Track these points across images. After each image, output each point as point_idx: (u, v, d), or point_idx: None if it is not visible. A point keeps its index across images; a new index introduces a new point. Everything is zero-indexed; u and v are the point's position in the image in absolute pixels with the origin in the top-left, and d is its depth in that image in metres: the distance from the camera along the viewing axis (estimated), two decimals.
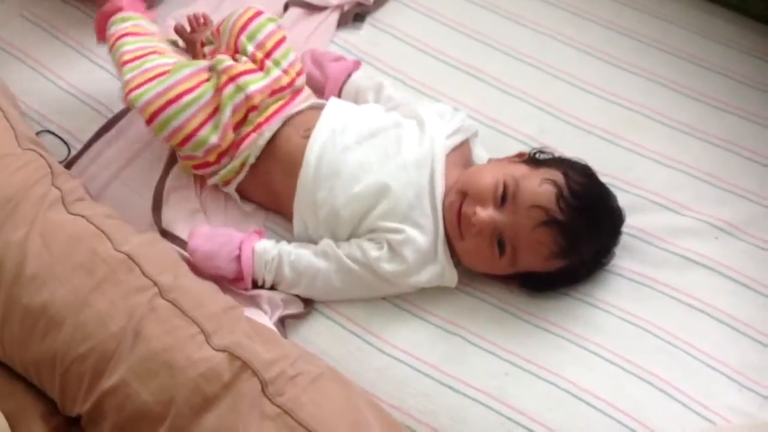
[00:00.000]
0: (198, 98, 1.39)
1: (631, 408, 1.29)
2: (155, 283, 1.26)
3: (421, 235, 1.35)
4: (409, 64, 1.68)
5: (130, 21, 1.49)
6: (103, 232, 1.30)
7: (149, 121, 1.40)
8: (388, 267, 1.35)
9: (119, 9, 1.51)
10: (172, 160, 1.51)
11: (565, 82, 1.67)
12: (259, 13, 1.46)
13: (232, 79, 1.40)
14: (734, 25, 1.78)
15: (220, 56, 1.42)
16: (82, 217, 1.32)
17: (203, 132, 1.40)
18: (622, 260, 1.44)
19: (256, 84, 1.41)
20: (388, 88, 1.54)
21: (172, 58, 1.45)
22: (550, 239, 1.31)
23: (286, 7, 1.70)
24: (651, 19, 1.78)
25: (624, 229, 1.43)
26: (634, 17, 1.78)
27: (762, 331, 1.37)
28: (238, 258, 1.36)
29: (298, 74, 1.47)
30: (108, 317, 1.22)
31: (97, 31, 1.55)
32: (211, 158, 1.43)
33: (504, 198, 1.33)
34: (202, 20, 1.62)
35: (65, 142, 1.55)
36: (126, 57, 1.43)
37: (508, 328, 1.37)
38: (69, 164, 1.52)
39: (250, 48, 1.43)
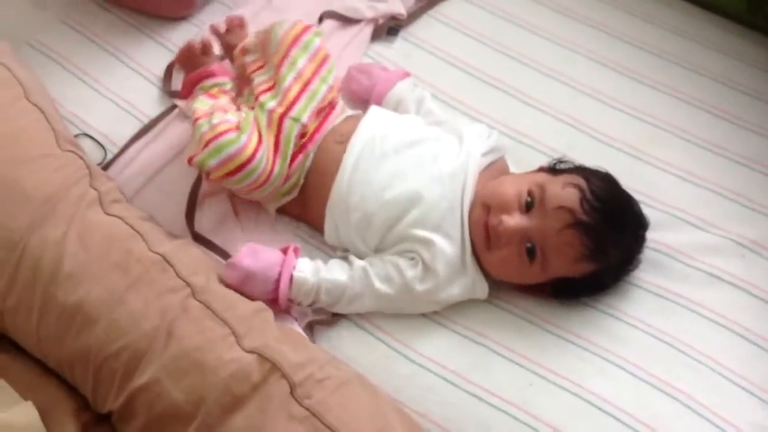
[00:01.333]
0: (264, 157, 1.39)
1: (653, 421, 1.29)
2: (188, 284, 1.28)
3: (450, 246, 1.37)
4: (440, 78, 1.70)
5: (216, 87, 1.50)
6: (138, 233, 1.33)
7: (219, 180, 1.40)
8: (421, 287, 1.36)
9: (211, 75, 1.51)
10: None
11: (591, 97, 1.69)
12: (308, 28, 1.47)
13: (285, 113, 1.42)
14: (760, 46, 1.78)
15: (262, 98, 1.43)
16: (119, 218, 1.35)
17: (272, 179, 1.41)
18: (647, 274, 1.44)
19: (306, 111, 1.43)
20: (428, 101, 1.56)
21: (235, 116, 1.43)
22: (577, 241, 1.32)
23: (320, 20, 1.73)
24: (676, 38, 1.79)
25: (649, 244, 1.44)
26: (659, 34, 1.80)
27: None
28: (277, 281, 1.35)
29: (339, 89, 1.50)
30: (141, 316, 1.25)
31: (183, 88, 1.54)
32: (275, 185, 1.43)
33: (529, 205, 1.35)
34: (237, 21, 1.62)
35: (102, 146, 1.58)
36: (197, 114, 1.43)
37: (533, 339, 1.38)
38: (105, 167, 1.54)
39: (302, 62, 1.44)
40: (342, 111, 1.51)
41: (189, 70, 1.55)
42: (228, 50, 1.60)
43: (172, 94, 1.64)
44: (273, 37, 1.46)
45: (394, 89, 1.57)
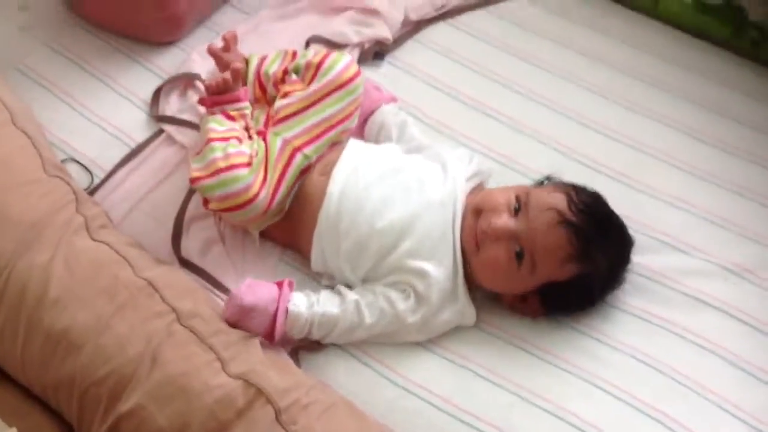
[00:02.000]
0: (267, 195, 1.41)
1: None
2: (174, 309, 1.28)
3: (443, 273, 1.37)
4: (426, 102, 1.70)
5: (237, 110, 1.49)
6: (125, 258, 1.33)
7: (219, 211, 1.42)
8: (413, 319, 1.36)
9: (237, 100, 1.49)
10: (192, 191, 1.53)
11: (578, 122, 1.70)
12: (360, 73, 1.48)
13: (300, 148, 1.43)
14: (749, 72, 1.81)
15: (280, 126, 1.44)
16: (105, 243, 1.35)
17: (271, 209, 1.42)
18: (632, 298, 1.45)
19: (319, 151, 1.46)
20: (411, 126, 1.57)
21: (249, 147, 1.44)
22: (564, 240, 1.33)
23: (307, 44, 1.73)
24: (666, 64, 1.81)
25: (634, 267, 1.45)
26: (650, 62, 1.81)
27: None
28: (274, 316, 1.33)
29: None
30: (127, 341, 1.25)
31: (207, 106, 1.50)
32: (262, 218, 1.44)
33: (516, 210, 1.37)
34: (232, 37, 1.61)
35: (89, 171, 1.58)
36: (212, 135, 1.43)
37: (517, 361, 1.38)
38: (91, 192, 1.54)
39: (340, 106, 1.45)
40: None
41: (215, 93, 1.51)
42: (223, 69, 1.59)
43: (160, 119, 1.64)
44: (325, 71, 1.46)
45: (379, 112, 1.58)
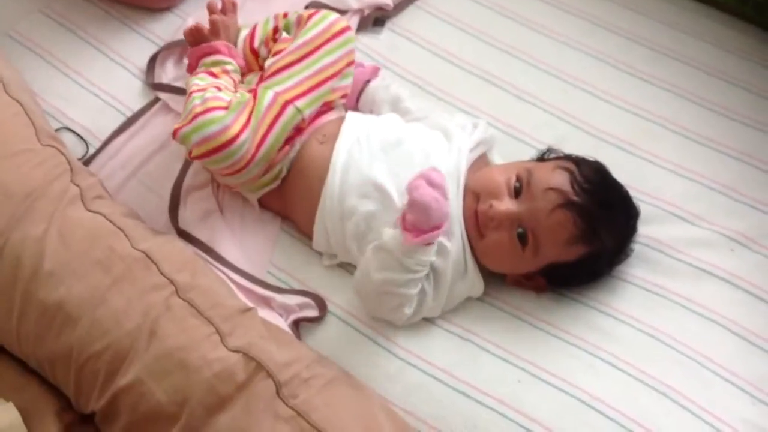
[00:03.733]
0: (248, 140, 1.37)
1: (643, 418, 1.28)
2: (172, 282, 1.26)
3: (455, 247, 1.35)
4: (428, 70, 1.68)
5: (219, 66, 1.47)
6: (121, 229, 1.31)
7: (199, 158, 1.38)
8: (430, 295, 1.34)
9: (215, 51, 1.48)
10: (189, 160, 1.51)
11: (582, 90, 1.67)
12: (349, 28, 1.47)
13: (291, 101, 1.40)
14: (752, 38, 1.77)
15: (271, 80, 1.42)
16: (101, 214, 1.33)
17: (255, 161, 1.39)
18: (636, 269, 1.44)
19: (312, 106, 1.42)
20: (405, 101, 1.54)
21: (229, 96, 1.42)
22: (569, 221, 1.31)
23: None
24: (669, 30, 1.78)
25: (638, 238, 1.43)
26: (653, 27, 1.78)
27: None
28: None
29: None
30: (124, 315, 1.23)
31: (189, 64, 1.52)
32: (249, 177, 1.41)
33: (518, 190, 1.34)
34: (231, 4, 1.58)
35: (84, 140, 1.56)
36: (193, 89, 1.41)
37: (521, 335, 1.37)
38: (87, 162, 1.53)
39: (332, 57, 1.43)
40: (332, 114, 1.49)
41: (192, 44, 1.52)
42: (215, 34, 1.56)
43: (156, 87, 1.62)
44: (313, 25, 1.45)
45: (368, 91, 1.55)
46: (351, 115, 1.47)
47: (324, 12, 1.48)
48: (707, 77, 1.70)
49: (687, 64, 1.72)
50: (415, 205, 1.23)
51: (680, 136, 1.61)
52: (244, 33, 1.57)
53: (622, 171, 1.45)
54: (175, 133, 1.38)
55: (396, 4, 1.76)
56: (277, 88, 1.41)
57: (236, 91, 1.43)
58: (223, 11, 1.58)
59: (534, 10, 1.80)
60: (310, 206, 1.40)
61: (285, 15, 1.57)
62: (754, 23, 1.80)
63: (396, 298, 1.31)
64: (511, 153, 1.53)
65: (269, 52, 1.51)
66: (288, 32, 1.50)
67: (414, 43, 1.72)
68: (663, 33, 1.77)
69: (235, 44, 1.55)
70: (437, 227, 1.25)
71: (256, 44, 1.55)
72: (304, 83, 1.42)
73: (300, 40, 1.44)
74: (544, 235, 1.32)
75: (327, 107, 1.48)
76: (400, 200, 1.35)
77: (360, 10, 1.73)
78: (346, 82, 1.48)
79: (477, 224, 1.35)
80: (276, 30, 1.54)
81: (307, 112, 1.42)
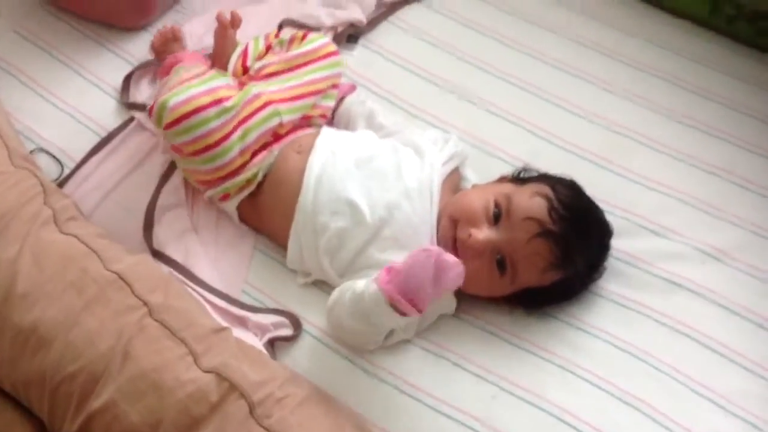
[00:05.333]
0: (227, 110, 1.38)
1: (614, 431, 1.29)
2: (145, 303, 1.26)
3: None
4: (401, 86, 1.68)
5: (191, 71, 1.49)
6: (94, 251, 1.31)
7: (172, 124, 1.37)
8: (404, 334, 1.35)
9: (178, 61, 1.54)
10: (164, 179, 1.51)
11: (556, 105, 1.68)
12: (337, 52, 1.53)
13: (272, 102, 1.43)
14: (726, 50, 1.79)
15: (256, 82, 1.46)
16: (74, 236, 1.33)
17: (225, 145, 1.39)
18: (609, 283, 1.44)
19: (292, 114, 1.46)
20: (379, 115, 1.55)
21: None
22: (546, 250, 1.32)
23: (280, 28, 1.71)
24: (645, 44, 1.79)
25: (612, 252, 1.44)
26: (623, 40, 1.79)
27: (748, 357, 1.38)
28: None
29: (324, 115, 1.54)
30: (97, 337, 1.23)
31: (159, 76, 1.59)
32: (220, 174, 1.42)
33: (497, 216, 1.34)
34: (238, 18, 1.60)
35: (58, 161, 1.55)
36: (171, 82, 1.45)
37: (495, 352, 1.37)
38: (61, 183, 1.52)
39: (321, 74, 1.49)
40: (310, 130, 1.51)
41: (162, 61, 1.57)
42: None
43: (130, 106, 1.62)
44: (307, 43, 1.51)
45: (343, 106, 1.57)
46: (326, 130, 1.48)
47: (316, 34, 1.53)
48: (683, 92, 1.71)
49: (659, 78, 1.73)
50: (412, 270, 1.22)
51: (653, 151, 1.62)
52: (240, 47, 1.58)
53: (595, 186, 1.46)
54: (152, 107, 1.39)
55: (369, 20, 1.77)
56: (263, 89, 1.44)
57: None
58: (232, 24, 1.59)
59: (508, 25, 1.80)
60: (286, 220, 1.41)
61: (277, 35, 1.60)
62: (728, 36, 1.81)
63: (365, 337, 1.33)
64: (484, 167, 1.54)
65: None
66: (281, 47, 1.56)
67: (387, 60, 1.73)
68: (635, 46, 1.78)
69: (229, 59, 1.57)
70: (415, 305, 1.24)
71: (248, 62, 1.56)
72: (289, 91, 1.46)
73: (291, 54, 1.49)
74: (521, 262, 1.33)
75: (305, 122, 1.49)
76: (371, 216, 1.36)
77: (333, 27, 1.74)
78: (328, 103, 1.52)
79: (455, 251, 1.34)
80: (269, 48, 1.57)
81: (286, 118, 1.44)
